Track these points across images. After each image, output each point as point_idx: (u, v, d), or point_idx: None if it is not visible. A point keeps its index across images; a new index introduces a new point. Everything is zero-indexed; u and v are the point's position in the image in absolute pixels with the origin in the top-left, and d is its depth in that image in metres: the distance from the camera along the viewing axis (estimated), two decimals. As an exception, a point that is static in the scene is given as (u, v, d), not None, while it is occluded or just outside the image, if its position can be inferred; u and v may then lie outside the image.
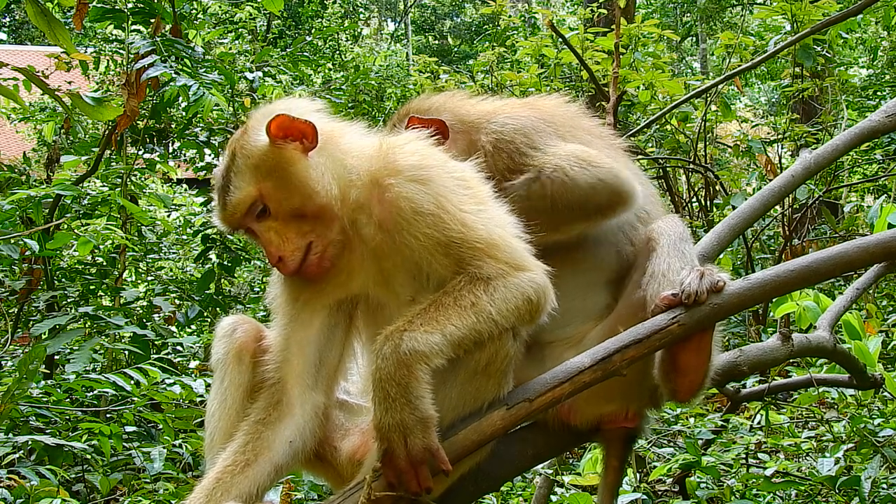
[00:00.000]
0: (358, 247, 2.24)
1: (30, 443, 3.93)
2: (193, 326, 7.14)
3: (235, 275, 7.74)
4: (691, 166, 7.88)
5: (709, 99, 7.58)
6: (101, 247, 6.59)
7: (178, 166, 8.45)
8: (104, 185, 6.76)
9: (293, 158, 2.18)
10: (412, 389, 1.99)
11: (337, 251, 2.22)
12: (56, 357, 5.68)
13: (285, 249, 2.17)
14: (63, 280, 6.45)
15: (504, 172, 2.54)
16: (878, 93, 10.51)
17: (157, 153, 7.31)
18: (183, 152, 8.32)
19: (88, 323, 5.42)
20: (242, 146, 2.20)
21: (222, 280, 7.16)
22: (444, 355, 2.04)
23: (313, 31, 13.88)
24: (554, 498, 3.90)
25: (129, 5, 5.94)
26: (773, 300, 3.71)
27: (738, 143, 7.90)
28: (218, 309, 6.67)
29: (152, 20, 5.75)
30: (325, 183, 2.18)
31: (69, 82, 7.27)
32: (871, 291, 5.85)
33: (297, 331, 2.30)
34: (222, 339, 2.43)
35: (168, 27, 5.83)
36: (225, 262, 6.90)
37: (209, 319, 6.75)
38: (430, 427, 2.02)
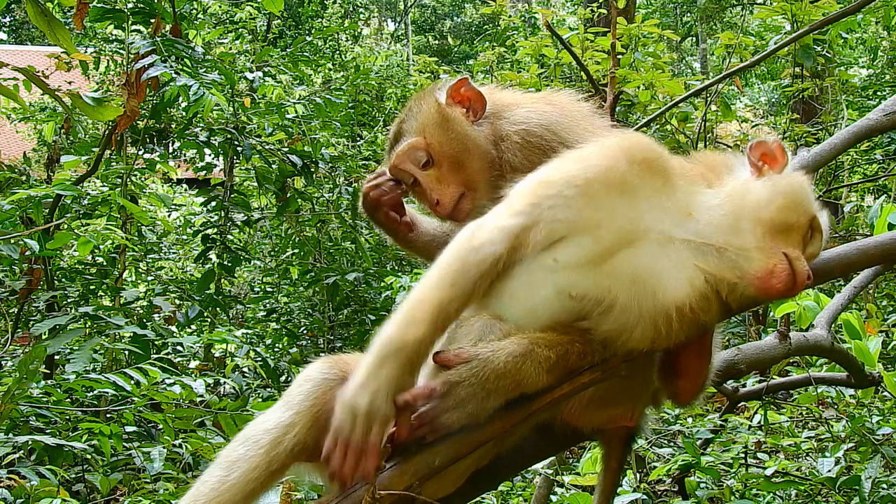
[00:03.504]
0: None
1: (30, 443, 3.93)
2: (193, 326, 7.14)
3: (235, 275, 7.74)
4: (691, 166, 7.85)
5: (709, 99, 7.58)
6: (101, 247, 6.59)
7: (178, 166, 8.45)
8: (104, 185, 6.77)
9: None
10: None
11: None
12: (56, 357, 5.68)
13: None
14: (63, 280, 6.45)
15: (525, 164, 2.55)
16: (878, 93, 10.48)
17: (157, 153, 7.31)
18: (183, 152, 8.33)
19: (88, 323, 5.42)
20: None
21: (222, 280, 7.16)
22: None
23: (313, 31, 13.85)
24: (554, 498, 3.90)
25: (129, 5, 5.95)
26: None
27: (738, 143, 7.89)
28: (218, 309, 6.67)
29: (152, 20, 5.76)
30: None
31: (69, 82, 7.26)
32: (871, 291, 5.84)
33: None
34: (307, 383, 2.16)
35: (168, 27, 5.83)
36: (225, 262, 6.90)
37: (209, 319, 6.75)
38: None
